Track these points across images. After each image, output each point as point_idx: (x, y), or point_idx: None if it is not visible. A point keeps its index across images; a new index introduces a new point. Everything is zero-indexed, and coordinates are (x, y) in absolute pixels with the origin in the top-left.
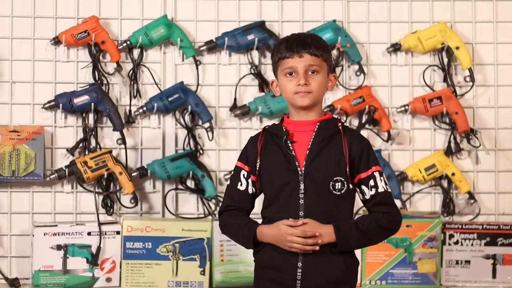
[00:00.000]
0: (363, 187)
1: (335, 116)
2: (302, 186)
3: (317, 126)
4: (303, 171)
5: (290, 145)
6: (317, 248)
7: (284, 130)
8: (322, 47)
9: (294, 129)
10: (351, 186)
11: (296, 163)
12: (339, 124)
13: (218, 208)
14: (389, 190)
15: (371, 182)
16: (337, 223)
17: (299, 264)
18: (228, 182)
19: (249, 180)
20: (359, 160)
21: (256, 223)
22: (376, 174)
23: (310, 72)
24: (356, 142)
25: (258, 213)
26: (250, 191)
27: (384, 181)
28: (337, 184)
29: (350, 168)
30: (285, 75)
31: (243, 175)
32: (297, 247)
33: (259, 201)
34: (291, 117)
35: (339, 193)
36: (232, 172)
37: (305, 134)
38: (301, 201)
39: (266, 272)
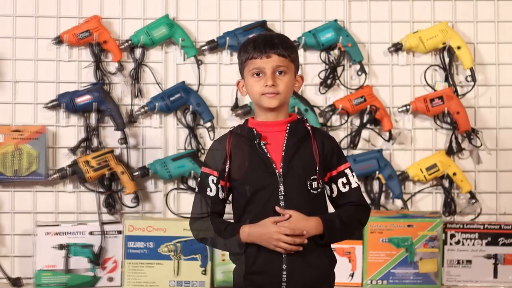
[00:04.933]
0: (334, 184)
1: (300, 117)
2: (282, 188)
3: (288, 127)
4: (281, 173)
5: (264, 147)
6: (301, 248)
7: (256, 133)
8: (290, 48)
9: (265, 130)
10: (322, 184)
11: (273, 165)
12: (307, 125)
13: None
14: (358, 183)
15: (344, 180)
16: (323, 215)
17: (284, 266)
18: (196, 190)
19: (219, 186)
20: (330, 159)
21: (235, 224)
22: (348, 171)
23: (277, 73)
24: (327, 141)
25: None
26: (220, 196)
27: (354, 176)
28: (313, 183)
29: (322, 167)
30: (252, 76)
31: (212, 180)
32: (284, 246)
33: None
34: (257, 118)
35: (315, 192)
36: (199, 179)
37: (277, 135)
38: (282, 203)
39: (251, 278)
